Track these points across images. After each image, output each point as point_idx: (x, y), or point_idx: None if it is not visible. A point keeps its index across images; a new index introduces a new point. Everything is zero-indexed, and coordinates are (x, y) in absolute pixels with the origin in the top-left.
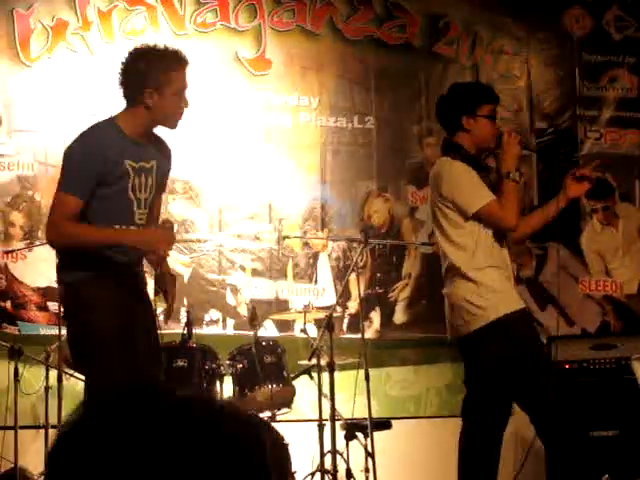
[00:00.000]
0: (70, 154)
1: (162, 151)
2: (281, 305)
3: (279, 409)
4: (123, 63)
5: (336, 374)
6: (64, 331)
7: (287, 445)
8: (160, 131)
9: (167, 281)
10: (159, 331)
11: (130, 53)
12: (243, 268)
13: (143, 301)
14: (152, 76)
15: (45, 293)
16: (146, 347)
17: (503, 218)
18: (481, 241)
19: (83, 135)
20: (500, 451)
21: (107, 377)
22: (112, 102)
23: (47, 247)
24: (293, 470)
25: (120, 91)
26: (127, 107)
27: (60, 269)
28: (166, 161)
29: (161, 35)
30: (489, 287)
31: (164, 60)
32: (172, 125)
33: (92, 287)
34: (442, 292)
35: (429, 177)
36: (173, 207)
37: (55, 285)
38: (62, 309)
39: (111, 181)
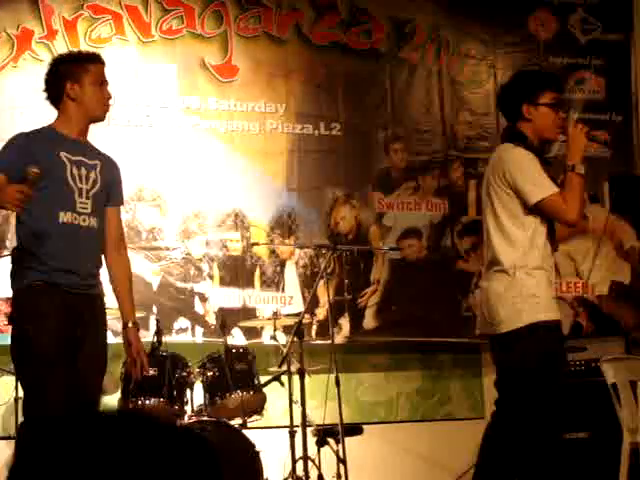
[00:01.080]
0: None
1: (108, 161)
2: (249, 313)
3: (250, 416)
4: (45, 74)
5: (307, 380)
6: None
7: (258, 452)
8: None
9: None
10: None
11: (49, 63)
12: (211, 276)
13: (92, 315)
14: (69, 71)
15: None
16: (88, 359)
17: (566, 212)
18: (535, 239)
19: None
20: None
21: (40, 387)
22: None
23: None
24: (265, 477)
25: (48, 100)
26: (58, 110)
27: (11, 275)
28: (114, 171)
29: (127, 43)
30: (531, 290)
31: (78, 57)
32: (100, 116)
33: (36, 296)
34: (479, 284)
35: (488, 164)
36: (141, 215)
37: None
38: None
39: (46, 168)
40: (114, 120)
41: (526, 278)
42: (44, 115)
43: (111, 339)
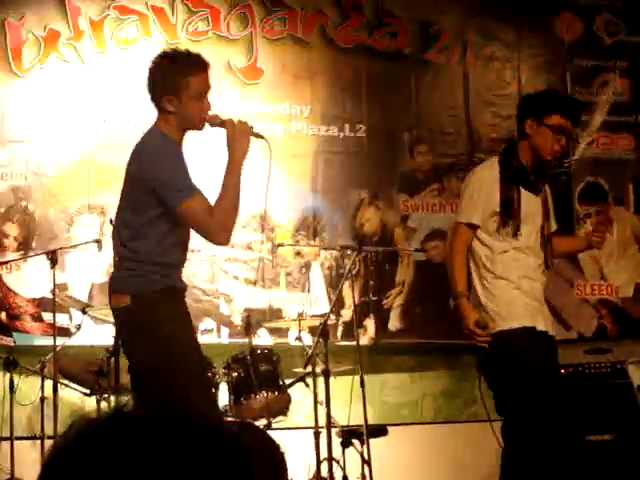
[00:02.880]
0: (162, 156)
1: None
2: (274, 314)
3: (275, 417)
4: (147, 75)
5: (331, 381)
6: (59, 341)
7: (283, 453)
8: None
9: None
10: None
11: (151, 63)
12: (236, 277)
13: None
14: (168, 83)
15: (40, 304)
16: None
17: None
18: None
19: (159, 138)
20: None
21: (187, 397)
22: (104, 111)
23: (41, 258)
24: (290, 477)
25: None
26: (158, 115)
27: (124, 277)
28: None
29: (153, 44)
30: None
31: (180, 66)
32: (198, 127)
33: (169, 299)
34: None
35: None
36: None
37: (49, 296)
38: (121, 321)
39: None
40: (139, 120)
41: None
42: (71, 116)
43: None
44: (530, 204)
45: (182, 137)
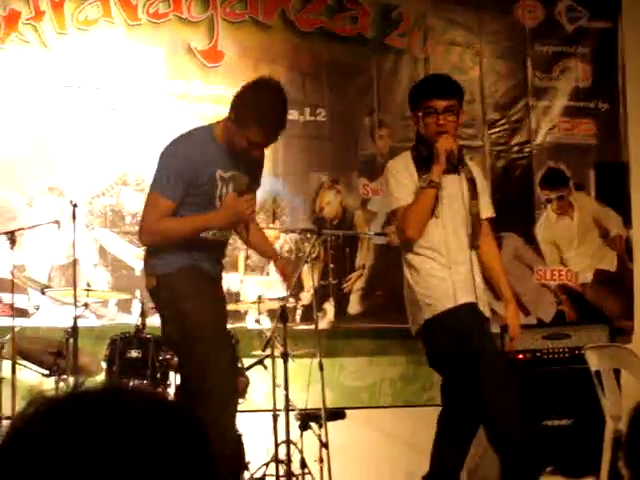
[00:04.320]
0: (164, 157)
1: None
2: (233, 297)
3: None
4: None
5: (290, 364)
6: (18, 322)
7: (241, 435)
8: None
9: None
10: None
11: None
12: None
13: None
14: (234, 114)
15: None
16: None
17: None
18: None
19: (179, 139)
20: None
21: (204, 364)
22: (64, 92)
23: (1, 238)
24: (247, 460)
25: None
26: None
27: (150, 261)
28: (254, 164)
29: (114, 25)
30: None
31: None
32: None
33: (186, 278)
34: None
35: None
36: (125, 199)
37: (8, 277)
38: (154, 301)
39: (200, 187)
40: (100, 104)
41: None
42: (31, 97)
43: (94, 322)
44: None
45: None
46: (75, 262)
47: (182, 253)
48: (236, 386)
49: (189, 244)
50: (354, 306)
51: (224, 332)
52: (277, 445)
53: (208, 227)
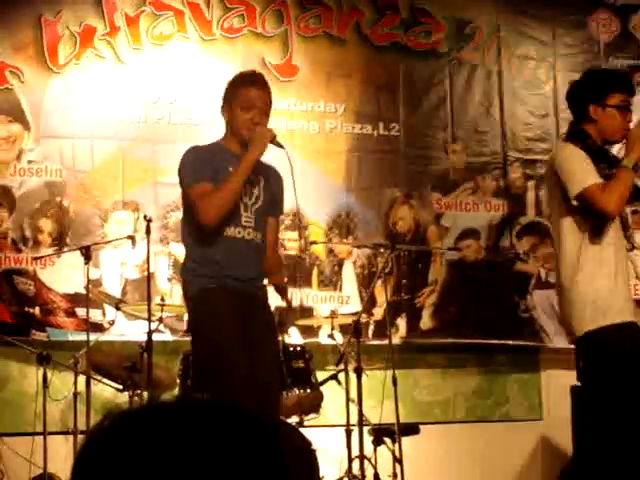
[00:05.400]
0: (183, 160)
1: (272, 175)
2: (306, 313)
3: (307, 414)
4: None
5: (363, 379)
6: (92, 337)
7: (315, 450)
8: None
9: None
10: None
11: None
12: None
13: (264, 318)
14: (226, 93)
15: (73, 299)
16: (264, 362)
17: (603, 202)
18: (592, 240)
19: (190, 147)
20: None
21: (229, 381)
22: (139, 107)
23: (76, 253)
24: (321, 475)
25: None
26: (226, 125)
27: (182, 285)
28: (277, 183)
29: (189, 40)
30: (590, 295)
31: (236, 78)
32: (244, 136)
33: (214, 297)
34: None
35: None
36: None
37: (83, 292)
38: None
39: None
40: (174, 118)
41: (583, 283)
42: (106, 112)
43: (168, 337)
44: None
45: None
46: (149, 276)
47: (210, 273)
48: (264, 400)
49: (221, 254)
50: (426, 321)
51: (242, 349)
52: (351, 460)
53: (248, 165)
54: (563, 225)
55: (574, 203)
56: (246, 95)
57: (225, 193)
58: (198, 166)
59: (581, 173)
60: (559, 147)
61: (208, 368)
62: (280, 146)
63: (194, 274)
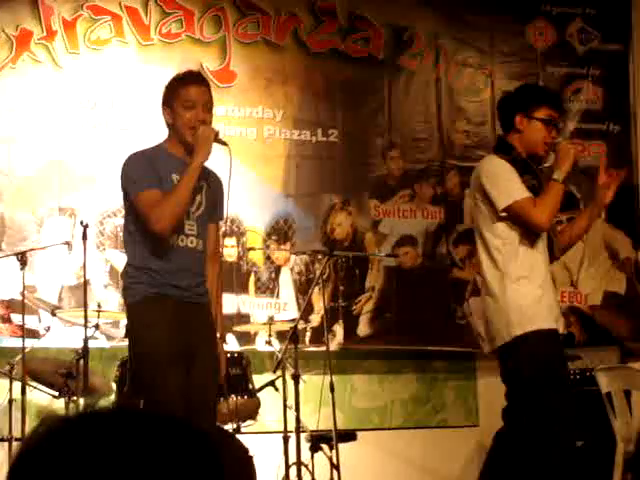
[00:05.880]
0: (126, 167)
1: (213, 181)
2: (243, 319)
3: (244, 421)
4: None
5: (301, 386)
6: (28, 343)
7: (252, 457)
8: None
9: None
10: None
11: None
12: None
13: (203, 326)
14: (166, 95)
15: (9, 305)
16: (200, 372)
17: (534, 216)
18: (517, 249)
19: (132, 153)
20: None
21: (159, 397)
22: (76, 112)
23: (11, 259)
24: None
25: None
26: (168, 130)
27: (124, 291)
28: (218, 189)
29: (126, 45)
30: (518, 301)
31: (175, 79)
32: (188, 138)
33: (152, 306)
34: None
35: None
36: None
37: (19, 298)
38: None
39: (163, 191)
40: (111, 123)
41: (512, 290)
42: (41, 117)
43: (105, 343)
44: None
45: (186, 148)
46: (86, 283)
47: (151, 281)
48: (198, 409)
49: (162, 263)
50: (363, 328)
51: (176, 363)
52: (288, 467)
53: (196, 169)
54: (491, 234)
55: (502, 215)
56: (187, 93)
57: (177, 200)
58: (143, 173)
59: (509, 186)
60: (485, 159)
61: (141, 381)
62: (224, 143)
63: (135, 281)
